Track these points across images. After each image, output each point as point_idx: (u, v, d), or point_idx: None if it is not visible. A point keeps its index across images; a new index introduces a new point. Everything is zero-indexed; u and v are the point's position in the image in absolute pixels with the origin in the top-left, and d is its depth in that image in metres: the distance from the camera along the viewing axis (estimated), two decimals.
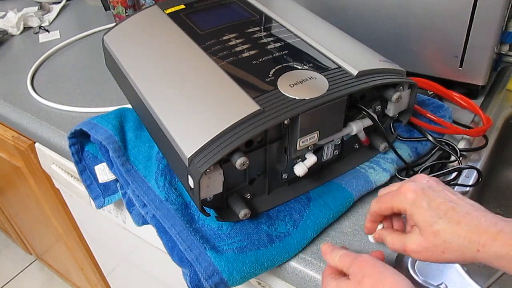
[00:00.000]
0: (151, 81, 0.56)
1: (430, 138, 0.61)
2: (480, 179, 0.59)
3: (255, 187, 0.55)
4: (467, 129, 0.64)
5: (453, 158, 0.60)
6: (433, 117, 0.64)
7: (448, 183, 0.58)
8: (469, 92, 0.71)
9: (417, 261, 0.50)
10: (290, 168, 0.55)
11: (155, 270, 0.89)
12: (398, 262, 0.50)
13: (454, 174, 0.59)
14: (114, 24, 0.79)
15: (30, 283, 1.66)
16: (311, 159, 0.53)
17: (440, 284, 0.48)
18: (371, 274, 0.40)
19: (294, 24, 0.61)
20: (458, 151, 0.61)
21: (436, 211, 0.39)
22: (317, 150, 0.55)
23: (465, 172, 0.60)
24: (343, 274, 0.44)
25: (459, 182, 0.59)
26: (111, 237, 0.93)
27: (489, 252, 0.36)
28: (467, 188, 0.59)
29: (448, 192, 0.41)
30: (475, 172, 0.59)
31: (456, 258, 0.39)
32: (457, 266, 0.50)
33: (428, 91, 0.71)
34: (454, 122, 0.67)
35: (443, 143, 0.62)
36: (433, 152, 0.63)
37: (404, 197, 0.42)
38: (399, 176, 0.59)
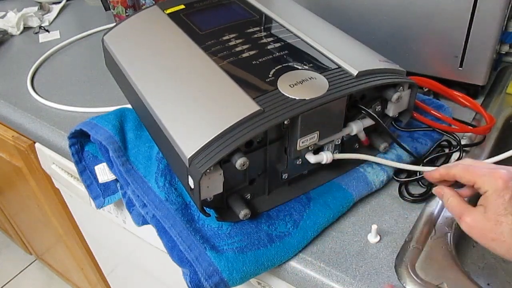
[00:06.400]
0: (151, 81, 0.56)
1: (447, 130, 0.63)
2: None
3: (255, 187, 0.55)
4: (473, 128, 0.64)
5: (455, 155, 0.61)
6: (438, 114, 0.64)
7: None
8: (468, 92, 0.71)
9: (417, 261, 0.50)
10: (290, 168, 0.55)
11: (155, 270, 0.89)
12: (398, 262, 0.50)
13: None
14: (114, 24, 0.78)
15: (30, 283, 1.66)
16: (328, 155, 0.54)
17: (440, 284, 0.48)
18: None
19: (294, 24, 0.61)
20: (460, 142, 0.62)
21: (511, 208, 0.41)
22: (317, 150, 0.55)
23: None
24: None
25: None
26: (111, 237, 0.93)
27: None
28: None
29: None
30: None
31: (502, 251, 0.42)
32: (457, 266, 0.50)
33: (423, 88, 0.71)
34: (455, 120, 0.67)
35: (448, 134, 0.63)
36: (435, 144, 0.63)
37: (493, 181, 0.43)
38: (397, 178, 0.59)
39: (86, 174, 0.66)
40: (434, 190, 0.51)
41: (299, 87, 0.50)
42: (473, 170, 0.46)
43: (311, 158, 0.54)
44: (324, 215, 0.54)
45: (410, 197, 0.57)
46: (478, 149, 0.64)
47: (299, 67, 0.53)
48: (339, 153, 0.57)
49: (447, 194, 0.48)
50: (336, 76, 0.52)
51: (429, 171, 0.52)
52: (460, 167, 0.48)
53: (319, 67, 0.54)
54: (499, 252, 0.42)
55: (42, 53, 0.94)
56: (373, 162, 0.59)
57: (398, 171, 0.60)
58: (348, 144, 0.59)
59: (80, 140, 0.66)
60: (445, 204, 0.49)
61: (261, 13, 0.65)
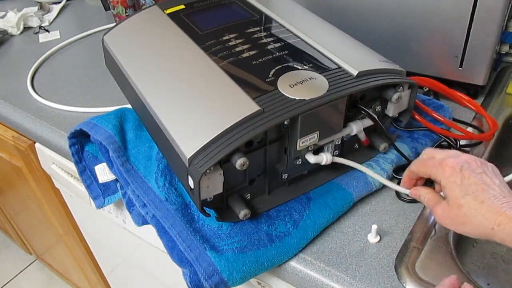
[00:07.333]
0: (151, 81, 0.56)
1: (449, 136, 0.62)
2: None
3: (255, 188, 0.55)
4: (477, 134, 0.64)
5: None
6: (439, 117, 0.64)
7: None
8: (468, 92, 0.71)
9: (417, 261, 0.50)
10: (290, 168, 0.55)
11: (155, 270, 0.89)
12: (398, 262, 0.50)
13: None
14: (114, 24, 0.79)
15: (30, 283, 1.66)
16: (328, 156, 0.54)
17: None
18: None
19: (294, 24, 0.61)
20: (457, 144, 0.62)
21: (466, 188, 0.43)
22: (317, 150, 0.55)
23: None
24: None
25: None
26: (111, 237, 0.93)
27: (503, 231, 0.40)
28: None
29: (485, 175, 0.44)
30: None
31: (472, 231, 0.43)
32: (457, 266, 0.50)
33: (424, 88, 0.71)
34: (455, 120, 0.67)
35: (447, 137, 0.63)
36: (435, 145, 0.63)
37: (442, 170, 0.45)
38: (396, 176, 0.59)
39: (86, 174, 0.66)
40: (411, 193, 0.52)
41: (299, 87, 0.50)
42: (426, 163, 0.48)
43: (311, 158, 0.54)
44: (324, 215, 0.54)
45: (407, 197, 0.57)
46: (478, 149, 0.64)
47: (299, 67, 0.53)
48: (339, 153, 0.57)
49: (423, 193, 0.50)
50: (336, 76, 0.52)
51: (402, 183, 0.53)
52: (416, 163, 0.50)
53: (319, 67, 0.54)
54: (472, 233, 0.43)
55: (42, 53, 0.94)
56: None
57: (397, 169, 0.59)
58: (348, 144, 0.59)
59: (80, 140, 0.66)
60: (423, 202, 0.50)
61: (261, 13, 0.65)
